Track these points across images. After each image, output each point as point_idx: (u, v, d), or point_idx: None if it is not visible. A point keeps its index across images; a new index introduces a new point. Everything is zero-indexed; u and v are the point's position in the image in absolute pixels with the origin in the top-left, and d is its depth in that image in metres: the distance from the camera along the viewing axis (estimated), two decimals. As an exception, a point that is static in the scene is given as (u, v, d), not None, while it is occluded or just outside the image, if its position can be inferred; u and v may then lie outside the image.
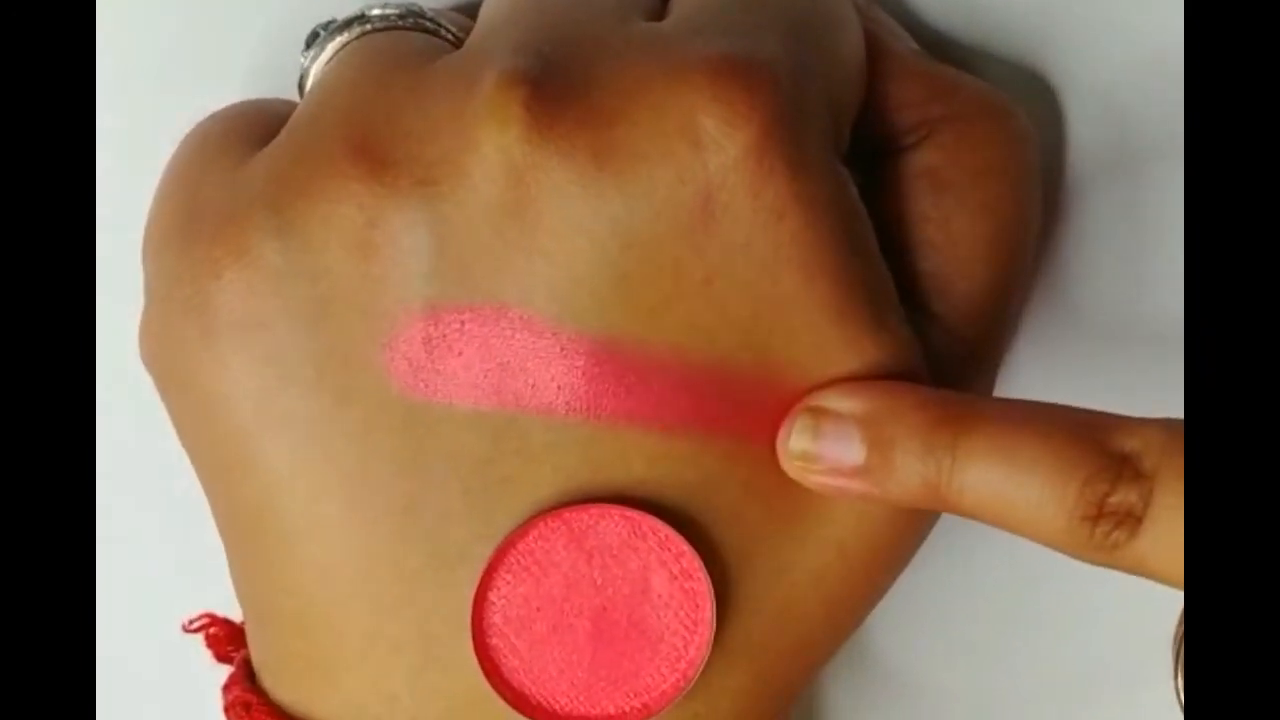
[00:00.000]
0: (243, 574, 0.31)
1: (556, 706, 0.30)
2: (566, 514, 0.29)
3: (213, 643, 0.34)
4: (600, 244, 0.29)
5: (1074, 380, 0.35)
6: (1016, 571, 0.36)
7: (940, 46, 0.34)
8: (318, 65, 0.31)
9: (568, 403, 0.29)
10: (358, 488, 0.29)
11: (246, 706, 0.31)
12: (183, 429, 0.31)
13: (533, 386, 0.29)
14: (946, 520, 0.32)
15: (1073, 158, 0.35)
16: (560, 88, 0.28)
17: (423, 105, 0.29)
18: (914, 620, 0.36)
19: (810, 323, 0.29)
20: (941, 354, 0.31)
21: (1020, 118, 0.32)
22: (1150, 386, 0.35)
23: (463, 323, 0.29)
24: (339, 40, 0.31)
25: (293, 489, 0.30)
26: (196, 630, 0.34)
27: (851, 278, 0.30)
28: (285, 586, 0.30)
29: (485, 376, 0.29)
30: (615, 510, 0.30)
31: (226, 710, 0.31)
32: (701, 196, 0.29)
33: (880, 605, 0.32)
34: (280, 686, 0.31)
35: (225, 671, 0.33)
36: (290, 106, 0.32)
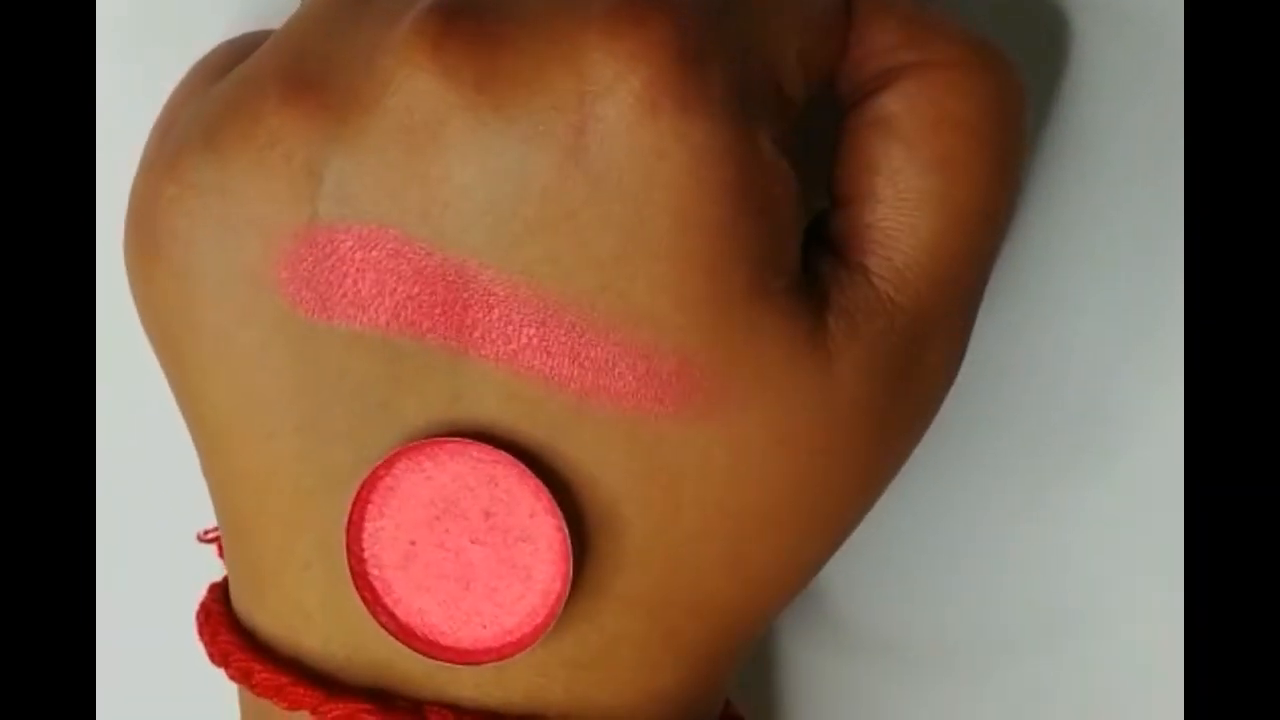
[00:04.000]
0: (204, 477, 0.32)
1: (439, 638, 0.30)
2: (428, 447, 0.29)
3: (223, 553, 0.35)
4: (471, 168, 0.28)
5: (1063, 364, 0.34)
6: (977, 520, 0.34)
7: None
8: None
9: (430, 327, 0.29)
10: (258, 403, 0.30)
11: (208, 614, 0.32)
12: (144, 331, 0.32)
13: (402, 309, 0.29)
14: (908, 475, 0.31)
15: (1072, 123, 0.33)
16: (471, 21, 0.28)
17: (352, 35, 0.30)
18: (871, 573, 0.35)
19: (679, 275, 0.28)
20: (865, 311, 0.29)
21: (1005, 71, 0.30)
22: (1146, 370, 0.33)
23: (344, 242, 0.29)
24: None
25: (207, 400, 0.31)
26: (211, 540, 0.35)
27: (735, 235, 0.28)
28: (224, 495, 0.31)
29: (363, 297, 0.29)
30: (473, 446, 0.29)
31: (195, 616, 0.33)
32: (575, 127, 0.28)
33: (836, 558, 0.31)
34: (235, 596, 0.32)
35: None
36: None
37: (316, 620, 0.31)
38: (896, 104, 0.29)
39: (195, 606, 0.34)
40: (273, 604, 0.31)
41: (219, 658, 0.32)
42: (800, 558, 0.30)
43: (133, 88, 0.36)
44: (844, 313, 0.29)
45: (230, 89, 0.30)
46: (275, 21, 0.35)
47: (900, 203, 0.29)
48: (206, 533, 0.35)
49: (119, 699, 0.38)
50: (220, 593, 0.33)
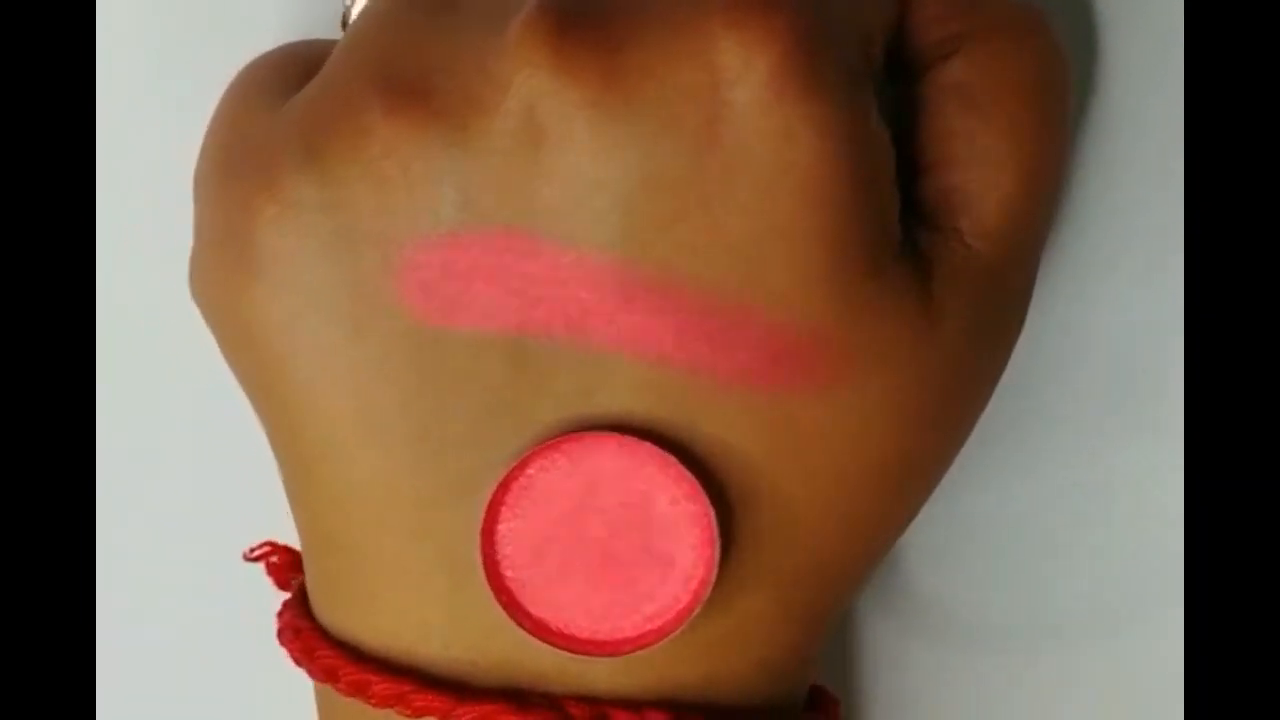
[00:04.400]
0: (291, 496, 0.32)
1: (576, 632, 0.30)
2: (564, 444, 0.30)
3: (273, 570, 0.35)
4: (602, 163, 0.29)
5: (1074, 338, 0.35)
6: (1059, 498, 0.36)
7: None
8: (360, 1, 0.32)
9: (563, 324, 0.29)
10: (375, 416, 0.30)
11: (296, 631, 0.32)
12: (228, 357, 0.32)
13: (532, 309, 0.29)
14: (983, 444, 0.32)
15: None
16: (588, 18, 0.29)
17: (450, 39, 0.30)
18: (953, 549, 0.36)
19: (809, 254, 0.29)
20: (965, 272, 0.31)
21: (1050, 33, 0.32)
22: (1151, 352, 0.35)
23: (472, 248, 0.29)
24: None
25: (318, 416, 0.30)
26: (258, 559, 0.35)
27: (856, 211, 0.29)
28: (323, 510, 0.31)
29: (492, 301, 0.29)
30: (611, 438, 0.29)
31: (279, 635, 0.32)
32: (708, 116, 0.28)
33: (919, 533, 0.32)
34: (326, 611, 0.32)
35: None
36: (333, 46, 0.32)
37: (436, 627, 0.31)
38: (967, 70, 0.31)
39: (195, 610, 0.35)
40: (383, 615, 0.31)
41: (323, 674, 0.31)
42: (901, 515, 0.31)
43: (133, 88, 0.36)
44: (946, 277, 0.30)
45: (319, 102, 0.30)
46: (276, 22, 0.35)
47: (983, 164, 0.31)
48: (252, 550, 0.35)
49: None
50: (300, 609, 0.32)
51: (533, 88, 0.29)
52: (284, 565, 0.35)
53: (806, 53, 0.28)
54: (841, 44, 0.29)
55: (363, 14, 0.31)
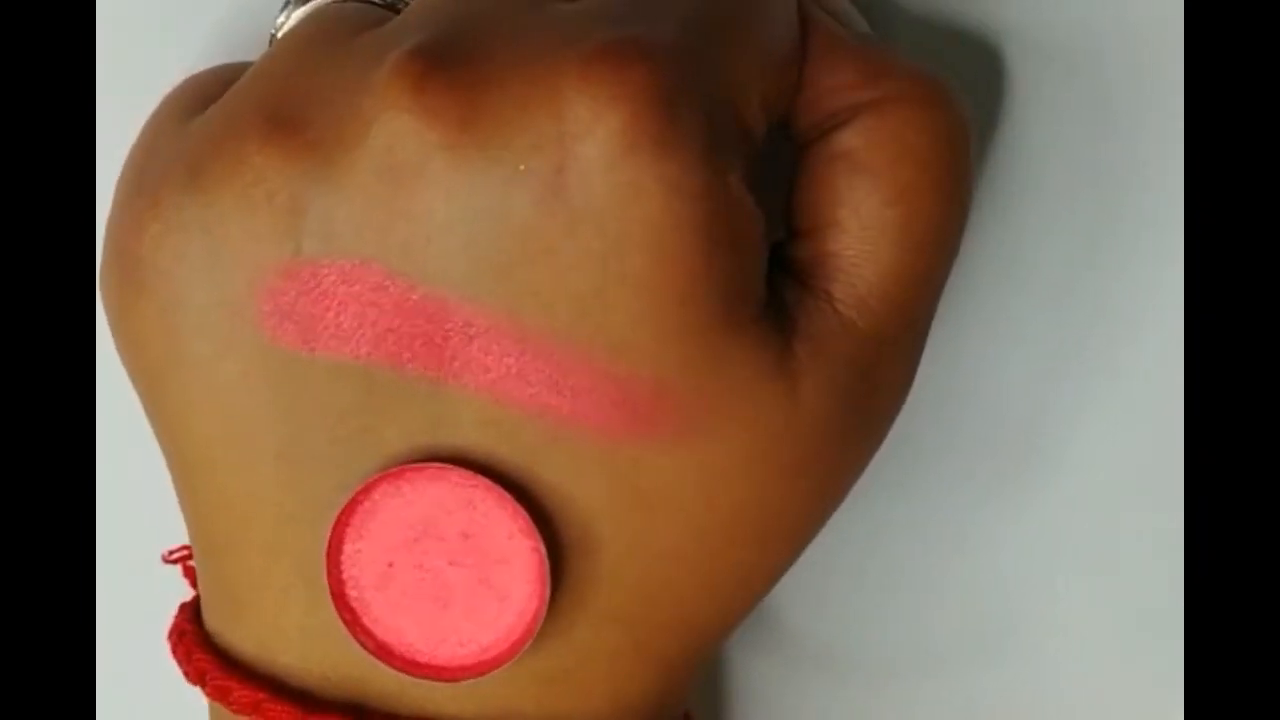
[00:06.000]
0: (179, 502, 0.33)
1: (416, 656, 0.31)
2: (406, 472, 0.30)
3: (189, 573, 0.36)
4: (453, 205, 0.29)
5: (1002, 387, 0.35)
6: (924, 537, 0.36)
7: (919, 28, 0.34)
8: (282, 32, 0.33)
9: (410, 357, 0.30)
10: (239, 432, 0.31)
11: (181, 634, 0.33)
12: (124, 365, 0.33)
13: (381, 340, 0.30)
14: (859, 493, 0.32)
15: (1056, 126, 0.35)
16: (453, 64, 0.29)
17: (334, 74, 0.31)
18: (822, 588, 0.36)
19: (656, 308, 0.29)
20: (832, 336, 0.31)
21: (954, 105, 0.31)
22: (1081, 393, 0.35)
23: (328, 277, 0.30)
24: (304, 9, 0.33)
25: (189, 430, 0.32)
26: (175, 561, 0.36)
27: (708, 268, 0.29)
28: (200, 519, 0.32)
29: (345, 329, 0.30)
30: (452, 471, 0.30)
31: (168, 635, 0.34)
32: (555, 165, 0.29)
33: (788, 574, 0.32)
34: (208, 616, 0.33)
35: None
36: None
37: (294, 640, 0.32)
38: (857, 139, 0.31)
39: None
40: (249, 624, 0.32)
41: (195, 676, 0.32)
42: (765, 569, 0.32)
43: (133, 88, 0.36)
44: (809, 338, 0.30)
45: (212, 126, 0.31)
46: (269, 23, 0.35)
47: (864, 232, 0.31)
48: (171, 552, 0.36)
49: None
50: (191, 613, 0.34)
51: (394, 127, 0.29)
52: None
53: (660, 110, 0.29)
54: (705, 107, 0.29)
55: (277, 43, 0.32)
